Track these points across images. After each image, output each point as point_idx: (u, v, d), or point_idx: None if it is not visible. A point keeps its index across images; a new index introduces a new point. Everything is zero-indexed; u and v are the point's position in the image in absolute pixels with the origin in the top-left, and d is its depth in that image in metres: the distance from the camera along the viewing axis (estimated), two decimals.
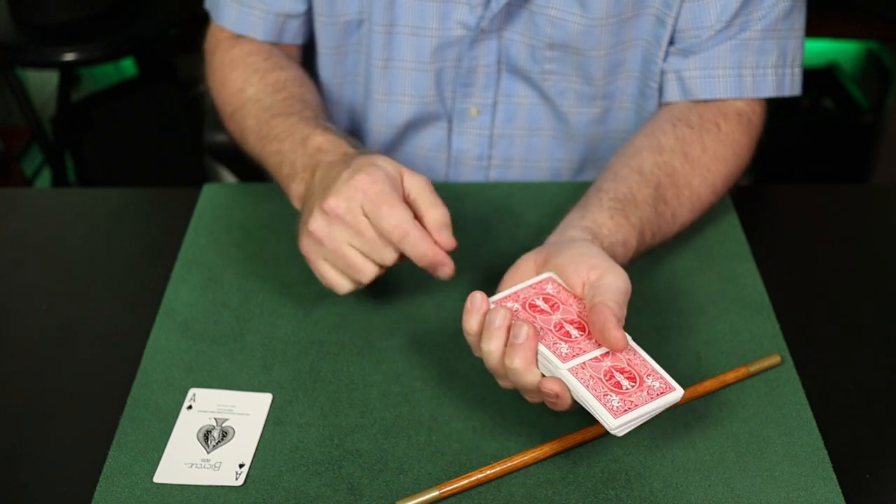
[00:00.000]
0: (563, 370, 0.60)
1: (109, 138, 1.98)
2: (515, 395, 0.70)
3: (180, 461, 0.65)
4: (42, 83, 2.20)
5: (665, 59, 0.87)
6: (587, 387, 0.59)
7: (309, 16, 0.94)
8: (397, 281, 0.80)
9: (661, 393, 0.59)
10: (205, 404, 0.70)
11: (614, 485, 0.64)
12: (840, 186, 1.00)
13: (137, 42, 1.76)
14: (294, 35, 0.95)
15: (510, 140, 0.96)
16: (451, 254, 0.70)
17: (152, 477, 0.64)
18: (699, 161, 0.81)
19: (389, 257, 0.69)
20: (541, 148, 0.96)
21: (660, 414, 0.60)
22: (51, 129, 1.96)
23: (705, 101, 0.86)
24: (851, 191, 1.02)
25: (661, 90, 0.89)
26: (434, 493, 0.62)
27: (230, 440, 0.67)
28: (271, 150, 0.82)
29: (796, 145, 1.94)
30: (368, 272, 0.69)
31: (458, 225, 0.84)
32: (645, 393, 0.59)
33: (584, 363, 0.60)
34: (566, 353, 0.61)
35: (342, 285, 0.71)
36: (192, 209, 0.89)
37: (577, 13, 0.85)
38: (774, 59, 0.85)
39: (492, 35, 0.89)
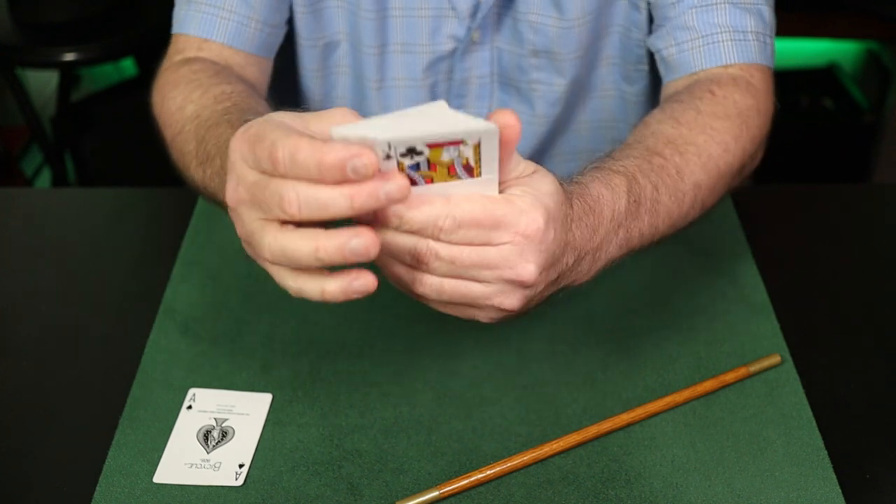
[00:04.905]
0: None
1: (109, 138, 1.98)
2: (515, 396, 0.70)
3: (180, 461, 0.65)
4: (42, 83, 2.20)
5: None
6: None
7: (281, 30, 0.89)
8: None
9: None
10: (205, 404, 0.70)
11: (614, 485, 0.64)
12: (840, 186, 1.00)
13: (137, 42, 1.76)
14: (269, 47, 0.86)
15: None
16: None
17: (152, 477, 0.64)
18: (696, 121, 0.73)
19: (288, 196, 0.47)
20: (533, 152, 0.97)
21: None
22: (51, 129, 1.96)
23: (697, 79, 0.82)
24: (851, 191, 1.02)
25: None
26: (434, 494, 0.62)
27: (230, 440, 0.67)
28: (211, 174, 0.66)
29: (796, 145, 1.94)
30: (267, 240, 0.50)
31: None
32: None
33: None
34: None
35: (290, 285, 0.54)
36: (192, 209, 0.89)
37: (554, 16, 0.85)
38: (753, 24, 0.81)
39: (484, 46, 0.89)
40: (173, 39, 0.87)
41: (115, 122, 1.98)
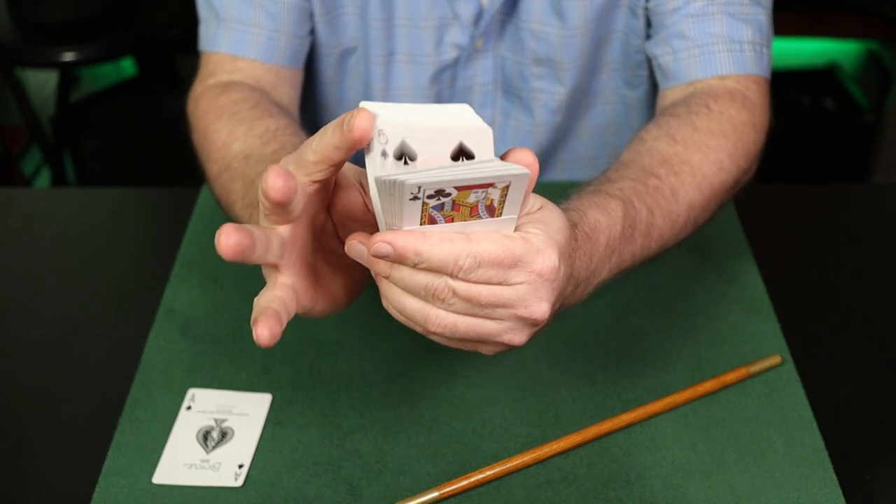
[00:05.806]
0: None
1: (109, 138, 1.98)
2: (515, 396, 0.70)
3: (179, 462, 0.65)
4: (42, 83, 2.20)
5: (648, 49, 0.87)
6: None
7: (308, 39, 0.90)
8: None
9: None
10: (204, 405, 0.70)
11: (614, 485, 0.63)
12: (840, 186, 1.00)
13: (137, 42, 1.76)
14: (298, 58, 0.89)
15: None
16: None
17: (151, 477, 0.64)
18: (692, 139, 0.73)
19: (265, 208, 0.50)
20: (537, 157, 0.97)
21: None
22: (50, 129, 1.96)
23: (693, 91, 0.83)
24: (851, 191, 1.02)
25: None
26: (434, 494, 0.62)
27: (229, 440, 0.67)
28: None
29: (796, 145, 1.94)
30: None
31: None
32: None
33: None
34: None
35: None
36: (192, 209, 0.89)
37: (557, 25, 0.85)
38: (750, 34, 0.81)
39: (487, 54, 0.89)
40: (203, 59, 0.88)
41: (114, 122, 1.98)
